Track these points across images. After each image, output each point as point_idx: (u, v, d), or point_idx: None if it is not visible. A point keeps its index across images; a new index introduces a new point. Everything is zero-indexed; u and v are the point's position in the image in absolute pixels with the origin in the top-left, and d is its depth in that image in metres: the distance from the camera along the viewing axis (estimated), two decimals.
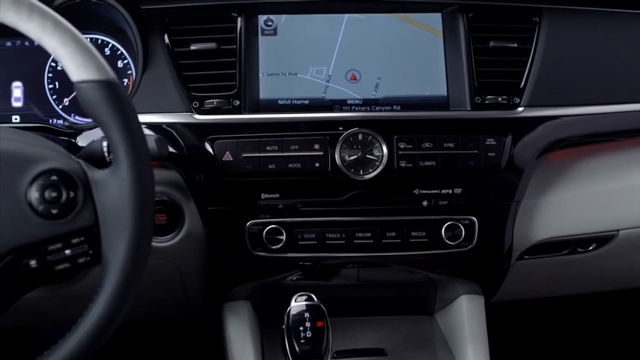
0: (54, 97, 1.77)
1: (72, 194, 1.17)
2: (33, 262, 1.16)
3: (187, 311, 1.94)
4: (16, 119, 1.76)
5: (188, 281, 1.76)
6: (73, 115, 1.77)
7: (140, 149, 1.17)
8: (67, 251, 1.17)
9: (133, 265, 1.15)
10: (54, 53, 1.16)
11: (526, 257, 1.76)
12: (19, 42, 1.78)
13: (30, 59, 1.78)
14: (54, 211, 1.16)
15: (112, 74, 1.17)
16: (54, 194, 1.16)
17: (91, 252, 1.18)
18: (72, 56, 1.15)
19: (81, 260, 1.19)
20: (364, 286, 1.83)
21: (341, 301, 1.66)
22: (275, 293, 1.74)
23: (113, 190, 1.17)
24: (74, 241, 1.17)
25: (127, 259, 1.15)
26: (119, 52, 1.76)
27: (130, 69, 1.76)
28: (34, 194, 1.15)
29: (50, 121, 1.77)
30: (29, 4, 1.14)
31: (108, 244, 1.16)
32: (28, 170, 1.17)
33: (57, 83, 1.77)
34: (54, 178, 1.17)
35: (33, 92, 1.78)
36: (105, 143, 1.40)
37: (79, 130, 1.63)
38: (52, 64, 1.76)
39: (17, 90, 1.77)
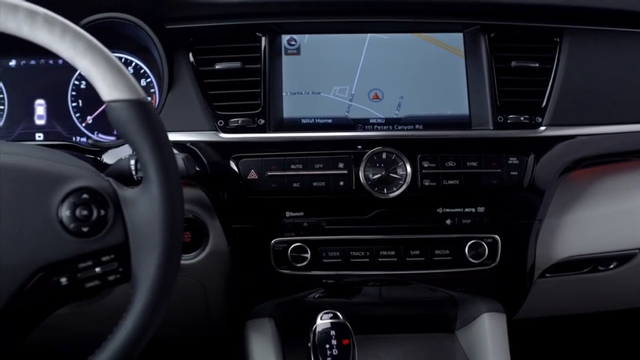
0: (77, 115, 1.78)
1: (102, 212, 1.17)
2: (63, 280, 1.16)
3: (209, 329, 1.94)
4: (39, 137, 1.77)
5: (211, 299, 1.76)
6: (96, 132, 1.78)
7: (170, 168, 1.18)
8: (97, 269, 1.18)
9: (162, 283, 1.16)
10: (86, 73, 1.17)
11: (547, 275, 1.76)
12: (42, 60, 1.79)
13: (53, 77, 1.79)
14: (85, 229, 1.16)
15: (142, 94, 1.18)
16: (85, 212, 1.16)
17: (120, 270, 1.19)
18: (104, 76, 1.16)
19: (111, 278, 1.19)
20: (386, 303, 1.84)
21: (363, 319, 1.66)
22: (297, 311, 1.74)
23: (143, 208, 1.17)
24: (104, 258, 1.18)
25: (157, 276, 1.16)
26: (142, 71, 1.78)
27: (153, 87, 1.77)
28: (65, 212, 1.16)
29: (73, 138, 1.78)
30: (62, 25, 1.15)
31: (138, 261, 1.17)
32: (60, 188, 1.18)
33: (80, 101, 1.78)
34: (85, 196, 1.17)
35: (56, 110, 1.79)
36: (132, 161, 1.41)
37: (104, 148, 1.65)
38: (76, 82, 1.78)
39: (40, 108, 1.78)
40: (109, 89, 1.16)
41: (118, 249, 1.18)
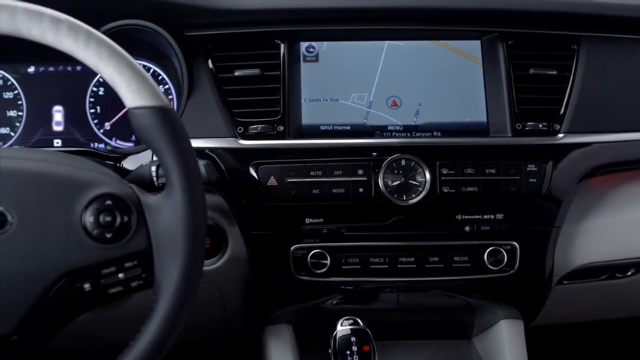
0: (95, 121, 1.78)
1: (126, 218, 1.18)
2: (87, 286, 1.17)
3: (226, 335, 1.94)
4: (57, 143, 1.78)
5: (229, 304, 1.77)
6: (114, 139, 1.78)
7: (193, 174, 1.18)
8: (121, 275, 1.18)
9: (185, 289, 1.17)
10: (109, 80, 1.17)
11: (565, 282, 1.77)
12: (61, 67, 1.80)
13: (71, 84, 1.80)
14: (108, 235, 1.17)
15: (166, 101, 1.19)
16: (108, 218, 1.17)
17: (143, 276, 1.19)
18: (128, 83, 1.17)
19: (134, 284, 1.20)
20: (403, 310, 1.84)
21: (380, 325, 1.65)
22: (315, 317, 1.75)
23: (166, 214, 1.18)
24: (127, 264, 1.18)
25: (180, 282, 1.16)
26: (160, 78, 1.78)
27: (171, 94, 1.77)
28: (89, 218, 1.16)
29: (91, 145, 1.78)
30: (86, 32, 1.16)
31: (161, 267, 1.18)
32: (83, 195, 1.18)
33: (98, 108, 1.79)
34: (108, 202, 1.18)
35: (74, 116, 1.80)
36: (153, 168, 1.41)
37: (123, 155, 1.65)
38: (94, 88, 1.78)
39: (58, 114, 1.79)
40: (132, 96, 1.17)
41: (141, 255, 1.18)
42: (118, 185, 1.21)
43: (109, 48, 1.16)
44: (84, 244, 1.16)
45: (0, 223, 1.14)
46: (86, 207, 1.17)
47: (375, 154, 1.61)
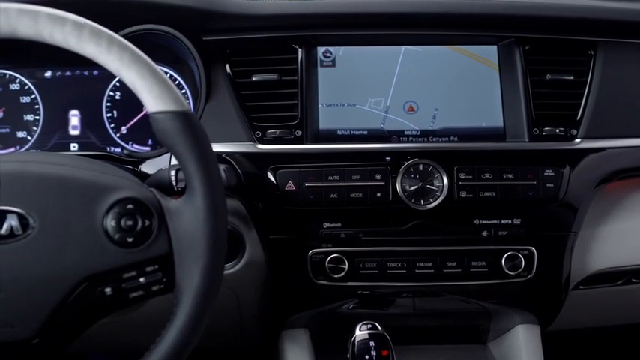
0: (112, 125, 1.79)
1: (147, 223, 1.18)
2: (108, 290, 1.17)
3: (242, 339, 1.94)
4: (74, 147, 1.78)
5: (245, 309, 1.77)
6: (130, 143, 1.79)
7: (215, 179, 1.19)
8: (142, 279, 1.18)
9: (206, 294, 1.17)
10: (131, 85, 1.18)
11: (581, 287, 1.77)
12: (78, 71, 1.80)
13: (88, 88, 1.80)
14: (130, 240, 1.17)
15: (187, 106, 1.19)
16: (130, 223, 1.17)
17: (164, 280, 1.19)
18: (150, 88, 1.17)
19: (154, 288, 1.20)
20: (419, 314, 1.84)
21: (396, 330, 1.66)
22: (332, 321, 1.75)
23: (188, 218, 1.18)
24: (148, 268, 1.18)
25: (201, 287, 1.16)
26: (177, 82, 1.79)
27: (188, 99, 1.78)
28: (110, 222, 1.17)
29: (107, 149, 1.79)
30: (108, 37, 1.16)
31: (182, 272, 1.18)
32: (105, 199, 1.18)
33: (115, 112, 1.79)
34: (130, 206, 1.18)
35: (90, 121, 1.80)
36: (173, 172, 1.42)
37: (141, 159, 1.65)
38: (111, 93, 1.79)
39: (74, 118, 1.79)
40: (154, 101, 1.17)
41: (163, 259, 1.18)
42: (140, 189, 1.22)
43: (130, 53, 1.17)
44: (105, 248, 1.16)
45: (22, 227, 1.14)
46: (108, 211, 1.17)
47: (388, 158, 1.62)
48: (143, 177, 1.51)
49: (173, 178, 1.41)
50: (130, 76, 1.17)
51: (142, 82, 1.17)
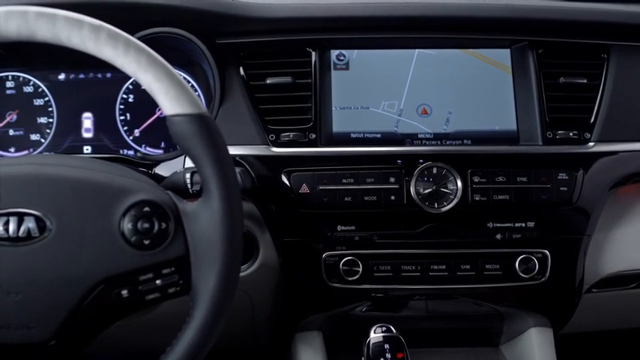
0: (125, 128, 1.79)
1: (164, 225, 1.18)
2: (124, 292, 1.18)
3: (254, 340, 1.95)
4: (87, 149, 1.79)
5: (258, 311, 1.77)
6: (143, 145, 1.79)
7: (231, 182, 1.19)
8: (158, 281, 1.19)
9: (222, 296, 1.17)
10: (148, 87, 1.18)
11: (594, 290, 1.77)
12: (91, 74, 1.81)
13: (101, 91, 1.81)
14: (146, 242, 1.17)
15: (204, 108, 1.19)
16: (146, 225, 1.17)
17: (181, 282, 1.20)
18: (166, 91, 1.17)
19: (171, 290, 1.20)
20: (432, 317, 1.84)
21: (409, 332, 1.66)
22: (345, 324, 1.75)
23: (204, 221, 1.18)
24: (165, 271, 1.19)
25: (218, 289, 1.17)
26: (190, 85, 1.78)
27: (201, 101, 1.77)
28: (127, 225, 1.17)
29: (120, 151, 1.79)
30: (125, 40, 1.17)
31: (198, 274, 1.18)
32: (122, 201, 1.19)
33: (128, 115, 1.80)
34: (146, 209, 1.18)
35: (103, 123, 1.81)
36: (188, 175, 1.42)
37: (155, 161, 1.66)
38: (124, 96, 1.79)
39: (87, 121, 1.80)
40: (171, 103, 1.17)
41: (179, 261, 1.19)
42: (156, 192, 1.22)
43: (147, 56, 1.17)
44: (122, 250, 1.17)
45: (39, 230, 1.15)
46: (124, 213, 1.18)
47: (401, 161, 1.62)
48: (157, 179, 1.51)
49: (188, 181, 1.42)
50: (147, 79, 1.17)
51: (158, 84, 1.17)
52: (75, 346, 1.21)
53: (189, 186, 1.42)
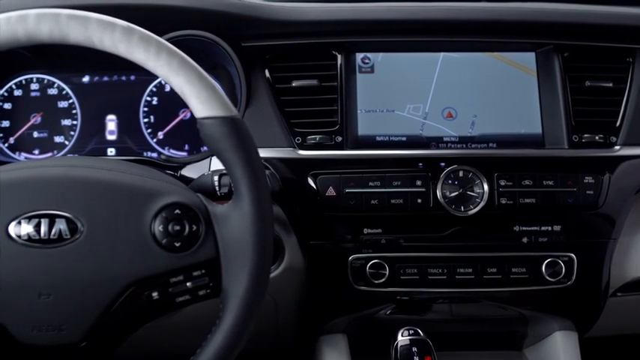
0: (149, 130, 1.79)
1: (194, 227, 1.19)
2: (155, 294, 1.18)
3: (278, 342, 1.95)
4: (111, 152, 1.79)
5: (282, 314, 1.77)
6: (167, 148, 1.79)
7: (262, 185, 1.19)
8: (188, 283, 1.19)
9: (253, 299, 1.17)
10: (179, 90, 1.18)
11: (619, 294, 1.76)
12: (115, 76, 1.81)
13: (125, 94, 1.81)
14: (177, 244, 1.18)
15: (235, 111, 1.19)
16: (177, 227, 1.18)
17: (211, 284, 1.20)
18: (198, 93, 1.17)
19: (201, 292, 1.21)
20: (456, 320, 1.84)
21: (433, 335, 1.66)
22: (370, 327, 1.75)
23: (235, 223, 1.19)
24: (195, 273, 1.19)
25: (248, 292, 1.17)
26: None
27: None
28: (158, 227, 1.18)
29: (144, 153, 1.80)
30: (157, 43, 1.17)
31: (228, 276, 1.18)
32: (153, 204, 1.19)
33: (152, 117, 1.80)
34: (177, 211, 1.19)
35: (127, 126, 1.81)
36: (216, 177, 1.43)
37: (181, 164, 1.66)
38: (148, 98, 1.80)
39: (111, 123, 1.80)
40: (202, 106, 1.18)
41: (209, 264, 1.19)
42: (187, 194, 1.23)
43: (179, 59, 1.17)
44: (153, 252, 1.17)
45: (70, 231, 1.16)
46: (155, 216, 1.18)
47: (423, 164, 1.62)
48: (184, 182, 1.51)
49: (216, 183, 1.42)
50: (179, 82, 1.17)
51: (190, 87, 1.17)
52: (105, 348, 1.22)
53: (217, 188, 1.42)
